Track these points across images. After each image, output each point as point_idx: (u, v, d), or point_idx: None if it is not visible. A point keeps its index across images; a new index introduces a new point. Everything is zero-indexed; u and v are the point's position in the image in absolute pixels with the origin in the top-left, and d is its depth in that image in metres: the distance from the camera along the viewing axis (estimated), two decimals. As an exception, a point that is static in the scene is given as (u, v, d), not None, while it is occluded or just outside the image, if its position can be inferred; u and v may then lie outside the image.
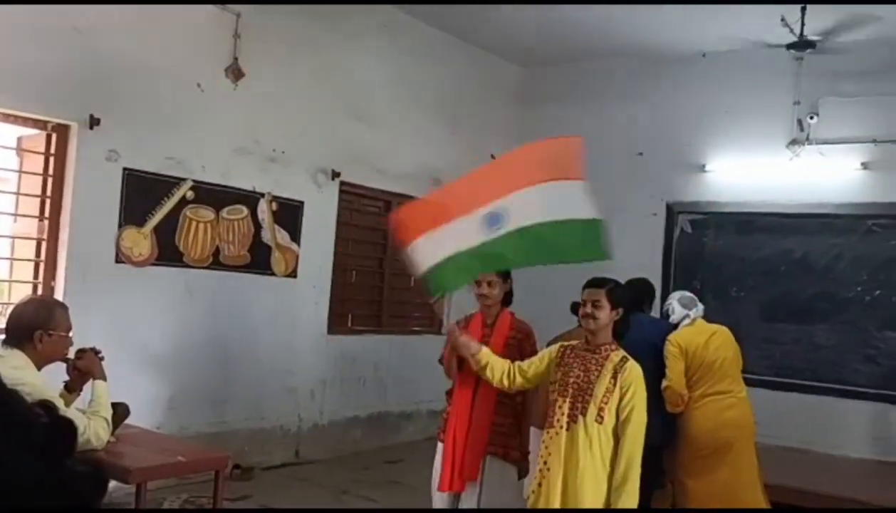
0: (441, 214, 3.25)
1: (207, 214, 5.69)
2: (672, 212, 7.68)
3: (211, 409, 5.76)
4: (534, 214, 3.18)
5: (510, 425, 3.57)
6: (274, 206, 6.14)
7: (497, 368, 3.34)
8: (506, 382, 3.34)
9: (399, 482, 5.95)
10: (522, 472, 3.58)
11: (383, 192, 7.20)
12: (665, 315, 4.22)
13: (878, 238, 6.73)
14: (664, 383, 4.04)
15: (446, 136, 7.69)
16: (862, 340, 6.71)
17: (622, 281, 3.89)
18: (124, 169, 5.19)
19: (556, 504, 3.10)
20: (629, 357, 3.17)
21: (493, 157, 8.34)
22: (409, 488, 5.70)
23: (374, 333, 7.19)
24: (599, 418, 3.08)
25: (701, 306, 4.23)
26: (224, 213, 5.80)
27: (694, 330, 4.16)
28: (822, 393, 6.76)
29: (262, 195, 6.06)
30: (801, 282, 6.99)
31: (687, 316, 4.20)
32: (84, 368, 3.37)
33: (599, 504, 3.05)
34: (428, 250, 3.22)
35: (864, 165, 6.79)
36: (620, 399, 3.09)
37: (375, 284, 7.30)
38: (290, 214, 6.28)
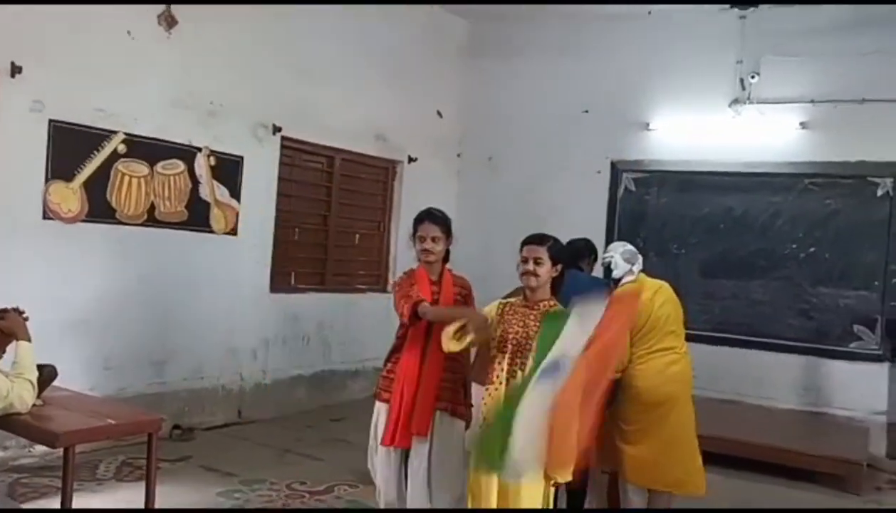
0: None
1: (141, 168, 5.48)
2: (616, 170, 7.72)
3: (149, 370, 5.63)
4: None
5: (458, 380, 3.59)
6: (212, 161, 5.95)
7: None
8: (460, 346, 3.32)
9: (344, 440, 5.94)
10: (468, 425, 3.61)
11: (326, 147, 7.05)
12: (607, 270, 4.19)
13: (814, 197, 6.89)
14: None
15: (391, 91, 7.54)
16: (796, 296, 6.91)
17: (566, 238, 3.90)
18: (50, 120, 4.95)
19: (496, 458, 3.11)
20: (567, 312, 3.18)
21: (439, 114, 8.28)
22: (352, 445, 5.68)
23: (318, 291, 7.11)
24: (538, 372, 3.08)
25: (640, 259, 4.22)
26: (159, 167, 5.59)
27: (636, 287, 4.14)
28: (756, 347, 6.96)
29: (200, 150, 5.86)
30: (741, 239, 7.14)
31: (630, 271, 4.16)
32: (6, 329, 3.24)
33: (539, 458, 3.07)
34: None
35: (803, 125, 6.91)
36: (558, 354, 3.10)
37: (319, 242, 7.20)
38: (229, 170, 6.10)
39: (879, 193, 6.64)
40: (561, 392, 2.85)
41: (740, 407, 6.82)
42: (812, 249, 6.88)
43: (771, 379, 6.89)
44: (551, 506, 3.19)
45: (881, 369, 6.54)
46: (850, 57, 6.68)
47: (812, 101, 6.85)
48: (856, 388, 6.60)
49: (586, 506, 4.20)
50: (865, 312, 6.65)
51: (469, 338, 3.24)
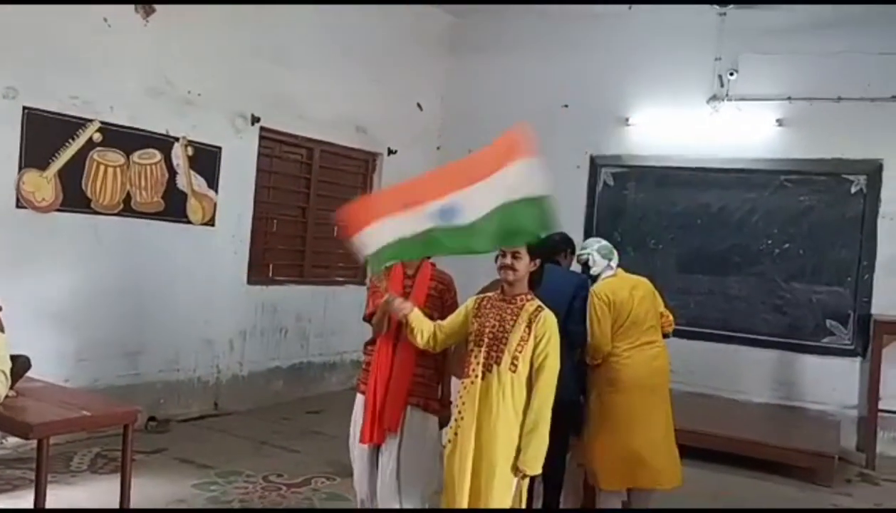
0: (390, 207, 3.23)
1: (117, 157, 5.41)
2: (595, 164, 7.76)
3: (124, 361, 5.58)
4: (485, 204, 3.14)
5: (431, 375, 3.55)
6: (189, 150, 5.89)
7: (424, 332, 3.31)
8: (431, 344, 3.33)
9: (320, 432, 5.94)
10: (444, 421, 3.59)
11: (306, 139, 7.01)
12: (584, 266, 4.22)
13: (789, 193, 6.97)
14: (589, 339, 4.05)
15: (371, 83, 7.51)
16: (770, 292, 7.00)
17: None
18: (24, 108, 4.86)
19: (470, 453, 3.12)
20: (544, 307, 3.19)
21: (419, 106, 8.26)
22: (329, 437, 5.70)
23: (296, 283, 7.08)
24: (513, 367, 3.10)
25: (616, 255, 4.24)
26: (135, 157, 5.53)
27: (617, 282, 4.16)
28: (731, 342, 7.05)
29: (177, 139, 5.80)
30: (717, 235, 7.21)
31: (609, 267, 4.18)
32: (-22, 320, 3.18)
33: (512, 452, 3.08)
34: (374, 237, 3.21)
35: (779, 122, 6.99)
36: (534, 348, 3.11)
37: (298, 234, 7.16)
38: (206, 160, 6.04)
39: (853, 190, 6.74)
40: None
41: (715, 401, 6.90)
42: (787, 246, 6.97)
43: (745, 373, 6.98)
44: (524, 500, 3.20)
45: (853, 364, 6.66)
46: (826, 56, 6.76)
47: (789, 99, 6.93)
48: (828, 382, 6.71)
49: (562, 499, 4.23)
50: (838, 307, 6.76)
51: (414, 326, 3.30)
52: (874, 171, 6.65)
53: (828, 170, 6.80)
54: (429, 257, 3.55)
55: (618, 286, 4.13)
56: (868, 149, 6.66)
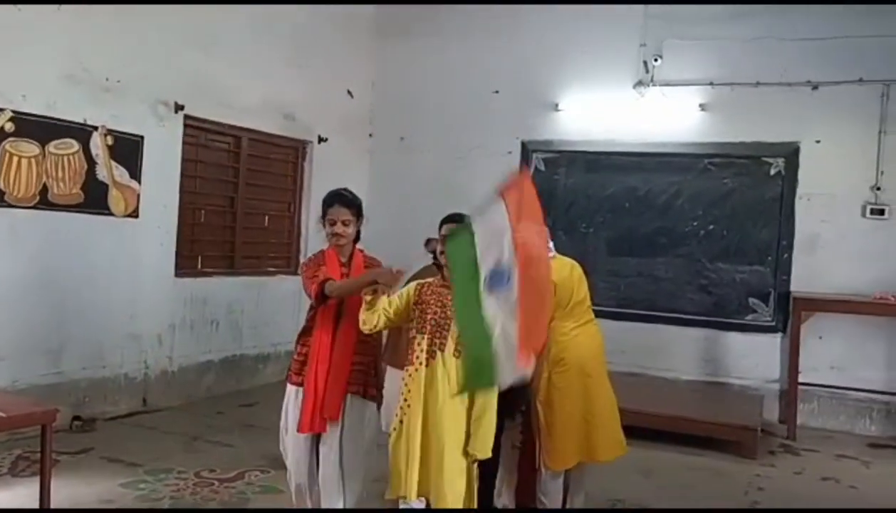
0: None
1: (31, 148, 5.18)
2: (527, 150, 7.83)
3: (45, 359, 5.37)
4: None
5: (369, 363, 3.56)
6: (109, 140, 5.68)
7: (381, 314, 3.29)
8: (374, 325, 3.31)
9: (254, 425, 5.85)
10: (378, 408, 3.60)
11: (233, 127, 6.86)
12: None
13: (713, 176, 7.18)
14: None
15: (298, 69, 7.39)
16: (696, 272, 7.21)
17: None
18: (-73, 97, 4.62)
19: (418, 440, 3.13)
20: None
21: (349, 93, 8.16)
22: (263, 430, 5.60)
23: (227, 274, 6.93)
24: (457, 352, 3.12)
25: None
26: (51, 147, 5.31)
27: (558, 264, 4.20)
28: (659, 322, 7.24)
29: (96, 128, 5.59)
30: (644, 218, 7.37)
31: (550, 251, 4.23)
32: None
33: (460, 437, 3.12)
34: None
35: (702, 107, 7.18)
36: (476, 332, 3.13)
37: (227, 224, 7.01)
38: (128, 150, 5.84)
39: (773, 172, 6.98)
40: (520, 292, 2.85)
41: (644, 379, 7.09)
42: (711, 227, 7.18)
43: (673, 352, 7.18)
44: (475, 482, 3.23)
45: (774, 340, 6.92)
46: (745, 42, 6.98)
47: (711, 84, 7.12)
48: (751, 358, 6.97)
49: (498, 481, 4.27)
50: (760, 285, 7.01)
51: (383, 297, 3.24)
52: (792, 153, 6.90)
53: (748, 153, 7.03)
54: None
55: (558, 268, 4.18)
56: (786, 132, 6.90)
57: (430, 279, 3.35)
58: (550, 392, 4.05)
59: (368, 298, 3.25)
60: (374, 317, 3.26)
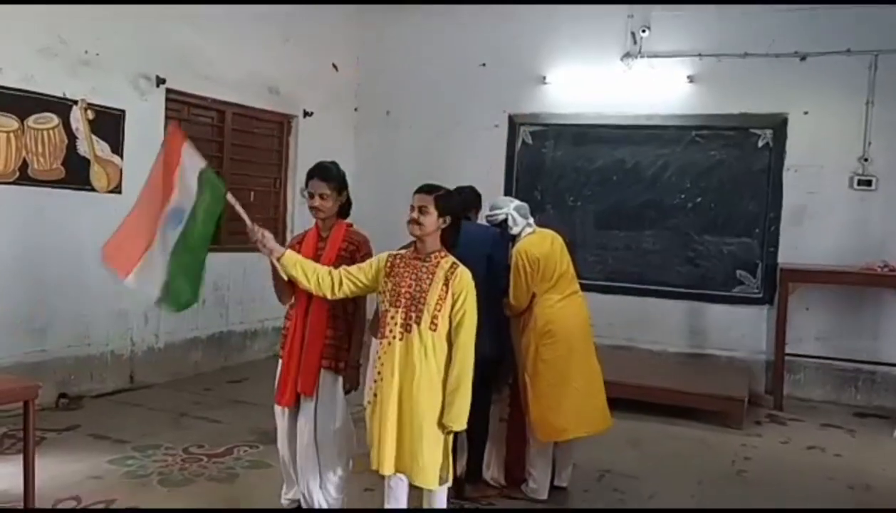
0: (143, 233, 3.29)
1: (9, 122, 5.09)
2: (514, 123, 7.77)
3: (28, 337, 5.31)
4: (188, 197, 3.32)
5: (342, 337, 3.51)
6: (90, 114, 5.59)
7: (312, 273, 3.24)
8: (325, 285, 3.26)
9: (242, 401, 5.83)
10: (351, 383, 3.54)
11: (216, 101, 6.76)
12: (501, 226, 4.20)
13: (700, 148, 7.16)
14: (510, 296, 4.07)
15: (283, 42, 7.29)
16: (684, 245, 7.21)
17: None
18: None
19: (392, 413, 3.11)
20: (459, 264, 3.18)
21: (335, 67, 8.07)
22: (252, 405, 5.60)
23: (213, 250, 6.70)
24: (433, 326, 3.09)
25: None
26: (30, 121, 5.21)
27: (538, 238, 4.18)
28: (647, 295, 7.25)
29: (75, 102, 5.49)
30: (632, 190, 7.35)
31: (529, 225, 4.21)
32: None
33: (436, 410, 3.09)
34: (151, 273, 3.26)
35: (690, 79, 7.14)
36: (452, 306, 3.11)
37: (212, 200, 6.91)
38: (109, 124, 5.75)
39: (760, 144, 6.97)
40: None
41: (632, 352, 7.11)
42: (699, 200, 7.17)
43: (660, 325, 7.20)
44: (451, 456, 3.22)
45: (761, 312, 6.95)
46: (733, 12, 6.93)
47: (699, 56, 7.08)
48: (738, 330, 7.00)
49: (486, 455, 4.28)
50: (747, 257, 7.02)
51: (289, 270, 3.28)
52: (779, 124, 6.88)
53: (736, 124, 7.01)
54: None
55: (539, 241, 4.16)
56: (773, 103, 6.88)
57: (402, 251, 3.30)
58: (537, 365, 4.05)
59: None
60: (301, 277, 3.25)
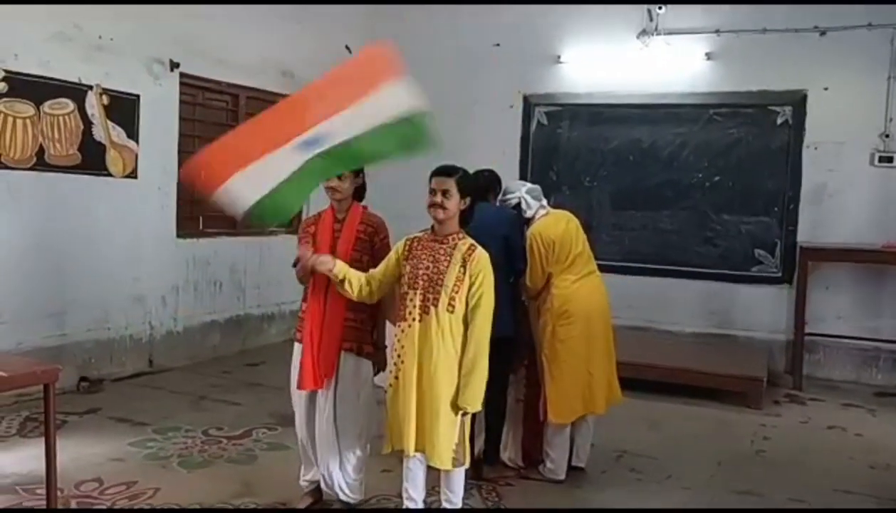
0: (248, 152, 3.02)
1: (26, 108, 5.11)
2: (528, 103, 7.71)
3: (48, 322, 5.36)
4: (354, 130, 3.01)
5: (364, 320, 3.51)
6: (105, 99, 5.60)
7: (354, 283, 3.24)
8: (364, 293, 3.27)
9: (260, 384, 5.86)
10: (380, 365, 3.56)
11: (231, 85, 6.75)
12: (515, 209, 4.19)
13: (718, 127, 7.07)
14: (526, 278, 4.08)
15: (296, 25, 7.25)
16: (701, 224, 7.14)
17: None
18: (-82, 57, 4.53)
19: (413, 395, 3.12)
20: (477, 245, 3.16)
21: (348, 49, 8.02)
22: (270, 388, 5.64)
23: (229, 235, 6.89)
24: (451, 308, 3.08)
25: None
26: (46, 107, 5.23)
27: (552, 220, 4.18)
28: (664, 275, 7.20)
29: (91, 88, 5.50)
30: (649, 170, 7.28)
31: (542, 207, 4.21)
32: None
33: (454, 390, 3.09)
34: (245, 189, 2.99)
35: (708, 56, 7.04)
36: (470, 287, 3.10)
37: (227, 184, 6.93)
38: (124, 109, 5.76)
39: (779, 121, 6.87)
40: None
41: (650, 333, 7.08)
42: (716, 178, 7.09)
43: (678, 305, 7.15)
44: (468, 438, 3.23)
45: (780, 291, 6.88)
46: (752, -13, 6.81)
47: (717, 32, 6.98)
48: (757, 310, 6.94)
49: (503, 435, 4.28)
50: (766, 237, 6.95)
51: (342, 280, 3.22)
52: (799, 101, 6.77)
53: (754, 102, 6.91)
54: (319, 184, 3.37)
55: (553, 223, 4.16)
56: (792, 80, 6.77)
57: (419, 234, 3.28)
58: (554, 345, 4.04)
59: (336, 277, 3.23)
60: (348, 290, 3.21)
